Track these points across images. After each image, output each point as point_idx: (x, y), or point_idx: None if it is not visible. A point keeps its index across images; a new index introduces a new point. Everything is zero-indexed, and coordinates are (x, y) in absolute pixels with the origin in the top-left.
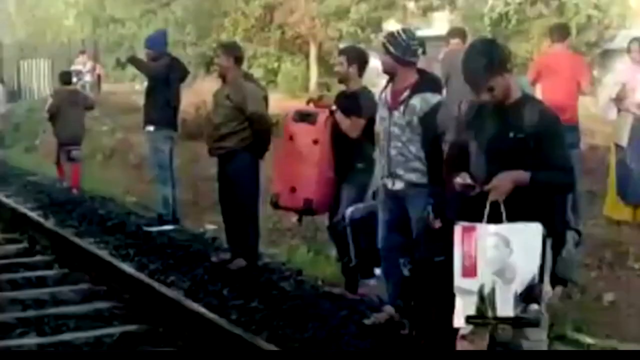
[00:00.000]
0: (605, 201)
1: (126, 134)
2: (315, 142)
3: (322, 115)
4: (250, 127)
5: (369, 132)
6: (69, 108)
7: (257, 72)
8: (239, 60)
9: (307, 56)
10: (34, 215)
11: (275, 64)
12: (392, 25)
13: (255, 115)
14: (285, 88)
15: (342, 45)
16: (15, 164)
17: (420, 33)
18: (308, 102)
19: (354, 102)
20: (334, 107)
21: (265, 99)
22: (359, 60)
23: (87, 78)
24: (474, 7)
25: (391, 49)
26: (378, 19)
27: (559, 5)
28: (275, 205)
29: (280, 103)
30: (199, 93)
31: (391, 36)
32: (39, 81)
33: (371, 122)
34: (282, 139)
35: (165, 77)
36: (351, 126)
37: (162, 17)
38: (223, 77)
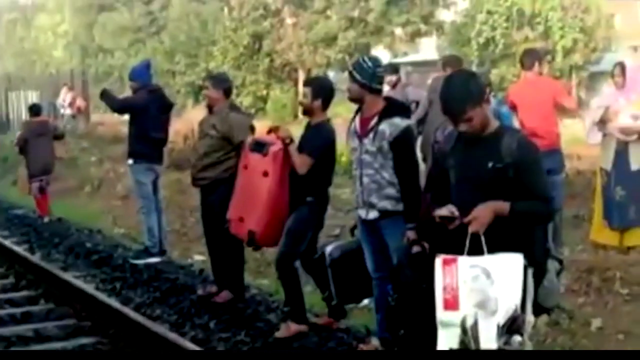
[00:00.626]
0: (591, 226)
1: (114, 164)
2: (265, 174)
3: (274, 147)
4: (236, 156)
5: (325, 167)
6: (37, 139)
7: (246, 100)
8: (228, 91)
9: (296, 83)
10: (19, 249)
11: (264, 92)
12: (380, 51)
13: (241, 145)
14: (274, 115)
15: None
16: (1, 197)
17: (408, 58)
18: (268, 132)
19: (312, 136)
20: (288, 140)
21: (252, 128)
22: (325, 93)
23: (67, 111)
24: (461, 32)
25: (357, 76)
26: (366, 45)
27: (545, 29)
28: (227, 231)
29: None
30: (187, 122)
31: (357, 64)
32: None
33: (327, 157)
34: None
35: (143, 110)
36: (300, 162)
37: (151, 47)
38: (210, 107)
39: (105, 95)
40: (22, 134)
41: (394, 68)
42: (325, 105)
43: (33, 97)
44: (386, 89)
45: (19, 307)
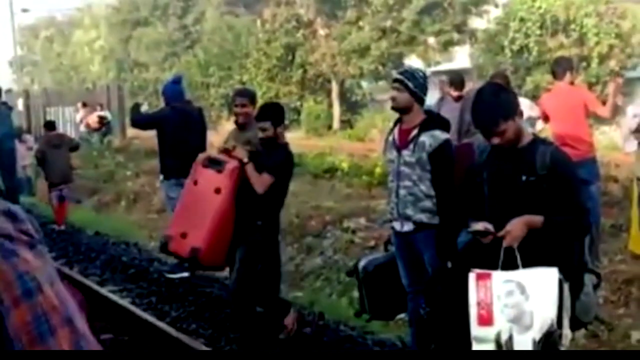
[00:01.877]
0: (629, 235)
1: (150, 178)
2: (218, 191)
3: (230, 165)
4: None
5: (280, 189)
6: (54, 151)
7: None
8: (256, 105)
9: (329, 94)
10: (58, 264)
11: (298, 103)
12: (413, 60)
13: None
14: (308, 127)
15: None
16: (41, 212)
17: (441, 67)
18: (222, 151)
19: (273, 155)
20: (245, 160)
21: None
22: (283, 118)
23: (82, 128)
24: (494, 40)
25: (410, 84)
26: (399, 55)
27: (579, 36)
28: (164, 248)
29: (303, 142)
30: (222, 135)
31: (408, 72)
32: (65, 128)
33: (284, 178)
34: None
35: (168, 125)
36: (260, 181)
37: (185, 60)
38: (242, 123)
39: (132, 110)
40: (39, 146)
41: (462, 81)
42: (283, 128)
43: (70, 112)
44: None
45: None
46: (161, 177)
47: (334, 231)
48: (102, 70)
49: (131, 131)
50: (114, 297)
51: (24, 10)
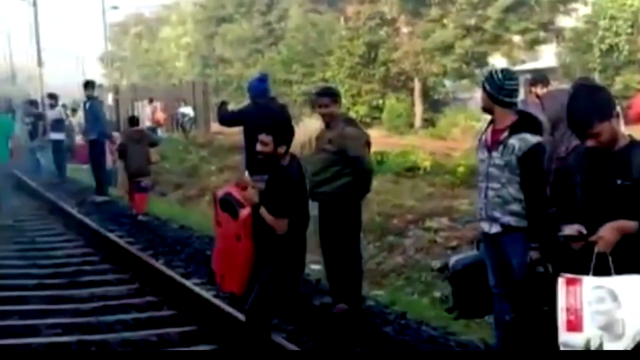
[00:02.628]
0: None
1: (233, 173)
2: (238, 238)
3: (244, 212)
4: (352, 172)
5: (297, 216)
6: (135, 145)
7: (362, 109)
8: (340, 103)
9: (411, 92)
10: (144, 256)
11: (380, 101)
12: (497, 59)
13: (357, 160)
14: (389, 125)
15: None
16: (126, 204)
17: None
18: (237, 185)
19: (279, 191)
20: (256, 200)
21: (368, 143)
22: (288, 138)
23: (147, 123)
24: (583, 38)
25: (487, 87)
26: (483, 54)
27: None
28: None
29: (384, 140)
30: (304, 131)
31: (488, 74)
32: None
33: (299, 205)
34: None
35: (252, 122)
36: (277, 225)
37: (269, 57)
38: (327, 123)
39: (220, 108)
40: (122, 140)
41: (545, 80)
42: (289, 147)
43: (157, 106)
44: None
45: (144, 312)
46: (246, 173)
47: (416, 230)
48: (187, 66)
49: (215, 127)
50: (198, 290)
51: (114, 8)
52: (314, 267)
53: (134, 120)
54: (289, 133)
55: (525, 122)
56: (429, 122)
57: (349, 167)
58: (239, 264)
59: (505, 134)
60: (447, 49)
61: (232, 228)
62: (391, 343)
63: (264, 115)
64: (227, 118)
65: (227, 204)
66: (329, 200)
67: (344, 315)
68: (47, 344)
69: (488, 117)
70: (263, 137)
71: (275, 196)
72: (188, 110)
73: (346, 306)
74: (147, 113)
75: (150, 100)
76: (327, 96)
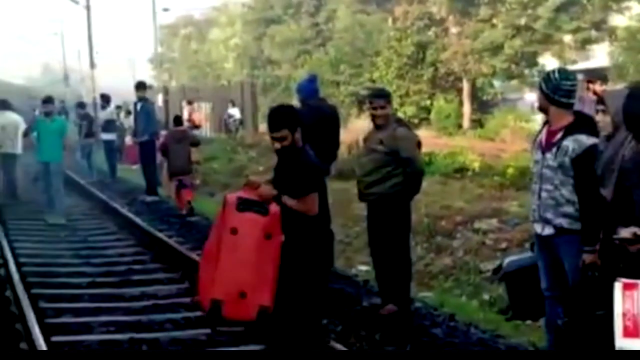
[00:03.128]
0: None
1: None
2: (269, 236)
3: (274, 206)
4: (403, 173)
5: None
6: (176, 145)
7: (410, 110)
8: (391, 105)
9: (459, 93)
10: (193, 255)
11: (428, 102)
12: (547, 59)
13: (409, 161)
14: (438, 126)
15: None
16: (175, 205)
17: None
18: (247, 185)
19: (298, 170)
20: (274, 192)
21: (418, 144)
22: (298, 122)
23: (186, 124)
24: (637, 37)
25: (543, 86)
26: (533, 54)
27: None
28: (217, 315)
29: (433, 140)
30: (351, 132)
31: (545, 74)
32: (200, 122)
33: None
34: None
35: (306, 124)
36: (309, 205)
37: (317, 58)
38: (381, 124)
39: None
40: (164, 140)
41: (604, 77)
42: (298, 134)
43: (206, 107)
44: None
45: (193, 312)
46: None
47: (465, 232)
48: (236, 67)
49: (263, 127)
50: None
51: (165, 10)
52: (362, 267)
53: (178, 120)
54: (297, 116)
55: (581, 124)
56: (477, 123)
57: (401, 168)
58: (272, 268)
59: (560, 135)
60: (496, 49)
61: (260, 226)
62: (440, 345)
63: (315, 117)
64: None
65: (246, 206)
66: (380, 201)
67: (392, 317)
68: (99, 341)
69: (538, 117)
70: (279, 134)
71: (297, 178)
72: (235, 111)
73: (395, 307)
74: (185, 114)
75: (189, 102)
76: (382, 97)
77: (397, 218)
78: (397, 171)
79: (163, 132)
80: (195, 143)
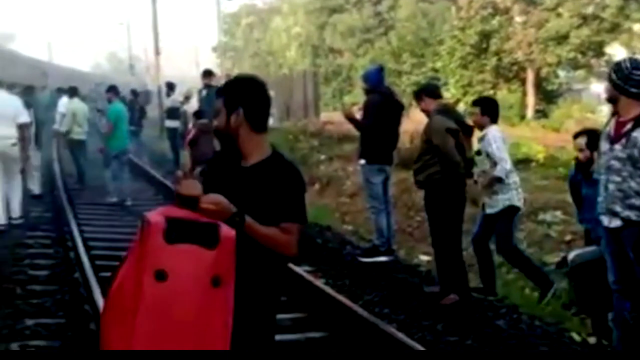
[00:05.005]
0: None
1: (343, 163)
2: (217, 281)
3: (226, 230)
4: (439, 161)
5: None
6: (203, 136)
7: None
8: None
9: (523, 83)
10: None
11: (491, 91)
12: (615, 49)
13: (437, 149)
14: (501, 116)
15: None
16: None
17: None
18: (178, 198)
19: (280, 187)
20: (233, 209)
21: (453, 131)
22: (238, 102)
23: None
24: None
25: (613, 76)
26: (600, 43)
27: None
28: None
29: None
30: (412, 122)
31: (616, 63)
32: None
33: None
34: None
35: (374, 112)
36: (286, 241)
37: (379, 47)
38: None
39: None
40: (195, 133)
41: None
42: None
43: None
44: None
45: None
46: (362, 161)
47: (528, 223)
48: (298, 56)
49: (325, 115)
50: (308, 277)
51: None
52: (424, 257)
53: (200, 114)
54: (249, 93)
55: None
56: (541, 114)
57: (436, 156)
58: (221, 332)
59: (630, 125)
60: (562, 38)
61: (201, 269)
62: (504, 337)
63: (382, 106)
64: (370, 122)
65: (181, 233)
66: (424, 188)
67: (455, 307)
68: None
69: (604, 108)
70: (216, 102)
71: (279, 191)
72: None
73: (457, 297)
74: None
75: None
76: (417, 95)
77: (441, 205)
78: (434, 160)
79: (168, 124)
80: None
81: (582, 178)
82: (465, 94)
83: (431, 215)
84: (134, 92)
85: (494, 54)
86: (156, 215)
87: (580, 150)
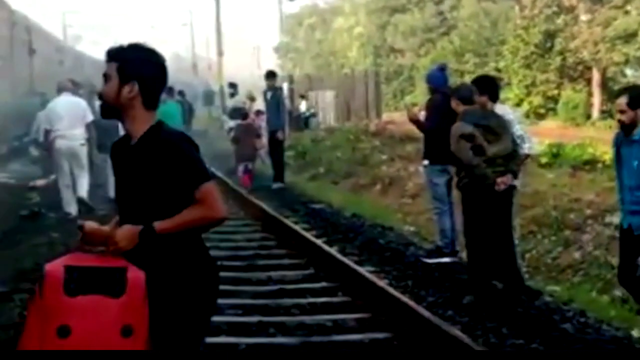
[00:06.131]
0: None
1: (405, 163)
2: (127, 331)
3: (134, 272)
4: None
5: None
6: (245, 135)
7: (536, 100)
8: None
9: (589, 82)
10: (319, 242)
11: (555, 91)
12: None
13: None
14: (565, 116)
15: None
16: (300, 191)
17: None
18: (82, 238)
19: (167, 156)
20: (138, 230)
21: (465, 136)
22: (129, 70)
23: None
24: None
25: None
26: None
27: None
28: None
29: (560, 131)
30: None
31: None
32: (324, 111)
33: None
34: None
35: (438, 112)
36: (207, 205)
37: (441, 47)
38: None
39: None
40: (236, 132)
41: None
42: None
43: (330, 96)
44: None
45: (319, 297)
46: (425, 162)
47: (595, 226)
48: (359, 56)
49: (386, 115)
50: (372, 277)
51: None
52: None
53: (245, 115)
54: (147, 62)
55: None
56: (607, 114)
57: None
58: None
59: None
60: (629, 36)
61: (109, 321)
62: (571, 341)
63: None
64: (433, 124)
65: (83, 283)
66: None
67: (521, 310)
68: (228, 322)
69: None
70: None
71: (169, 169)
72: (303, 106)
73: (472, 298)
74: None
75: (302, 96)
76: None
77: (470, 207)
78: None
79: (232, 124)
80: (258, 135)
81: (623, 139)
82: (528, 94)
83: (465, 218)
84: (181, 92)
85: (559, 53)
86: (54, 265)
87: (622, 111)
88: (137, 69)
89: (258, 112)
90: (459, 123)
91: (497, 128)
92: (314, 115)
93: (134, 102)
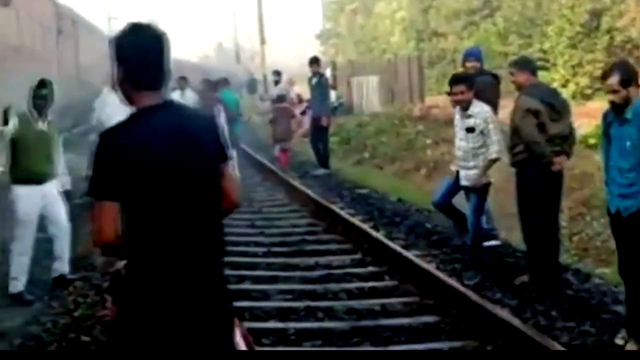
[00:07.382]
0: None
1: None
2: None
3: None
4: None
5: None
6: (280, 118)
7: (583, 81)
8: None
9: (638, 61)
10: (365, 227)
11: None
12: None
13: (517, 129)
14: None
15: None
16: (346, 177)
17: None
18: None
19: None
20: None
21: (532, 111)
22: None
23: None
24: None
25: None
26: None
27: None
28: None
29: None
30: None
31: None
32: (367, 97)
33: None
34: None
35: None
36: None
37: (484, 29)
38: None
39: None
40: (273, 114)
41: None
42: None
43: (373, 82)
44: None
45: (366, 282)
46: None
47: None
48: (401, 40)
49: (429, 100)
50: (419, 261)
51: None
52: None
53: (281, 98)
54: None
55: None
56: None
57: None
58: None
59: None
60: None
61: None
62: (622, 323)
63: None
64: None
65: None
66: (513, 166)
67: (572, 292)
68: (277, 308)
69: None
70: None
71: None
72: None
73: (527, 278)
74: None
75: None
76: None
77: (526, 184)
78: (520, 139)
79: (267, 105)
80: (292, 116)
81: (614, 119)
82: (574, 74)
83: (518, 194)
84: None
85: (606, 33)
86: None
87: (614, 91)
88: (118, 50)
89: (300, 99)
90: (526, 97)
91: (560, 107)
92: (341, 105)
93: (126, 85)
